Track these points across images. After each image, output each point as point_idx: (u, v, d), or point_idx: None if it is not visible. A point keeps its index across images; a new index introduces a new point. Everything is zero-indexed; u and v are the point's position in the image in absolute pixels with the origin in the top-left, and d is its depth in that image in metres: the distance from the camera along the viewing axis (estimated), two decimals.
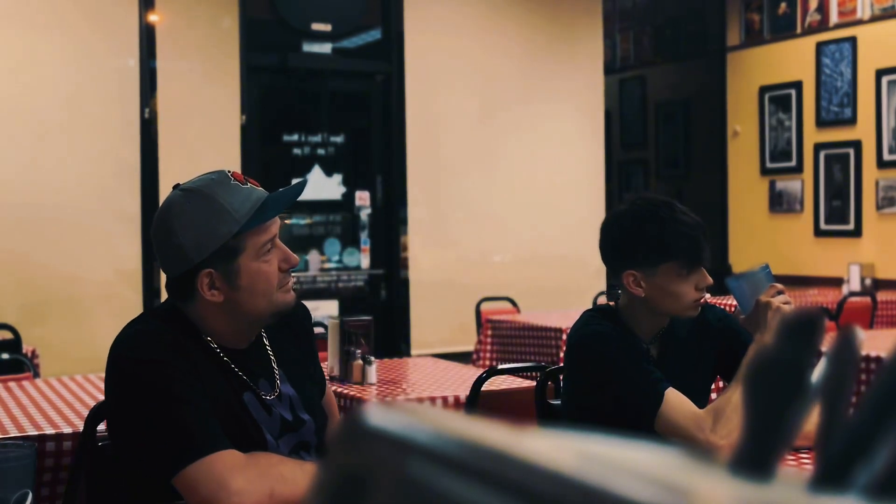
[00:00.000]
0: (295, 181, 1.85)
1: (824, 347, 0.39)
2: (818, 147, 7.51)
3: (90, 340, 5.69)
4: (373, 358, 3.33)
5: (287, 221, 6.33)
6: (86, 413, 2.23)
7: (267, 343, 1.91)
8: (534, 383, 2.73)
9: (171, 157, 5.94)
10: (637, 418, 2.12)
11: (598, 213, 7.28)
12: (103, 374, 1.84)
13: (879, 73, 7.07)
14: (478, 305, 5.98)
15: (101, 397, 2.91)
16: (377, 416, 0.38)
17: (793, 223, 7.69)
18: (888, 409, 0.36)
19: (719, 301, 4.99)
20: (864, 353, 3.78)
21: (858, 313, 5.81)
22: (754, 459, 0.37)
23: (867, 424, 0.36)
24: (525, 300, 6.36)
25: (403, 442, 0.37)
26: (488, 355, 5.29)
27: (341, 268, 6.62)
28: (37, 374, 4.00)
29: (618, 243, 2.24)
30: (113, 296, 5.78)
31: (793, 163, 7.68)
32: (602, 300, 6.40)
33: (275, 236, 1.82)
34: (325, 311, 6.09)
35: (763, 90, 7.88)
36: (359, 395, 3.13)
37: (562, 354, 4.60)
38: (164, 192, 5.85)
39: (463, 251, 6.88)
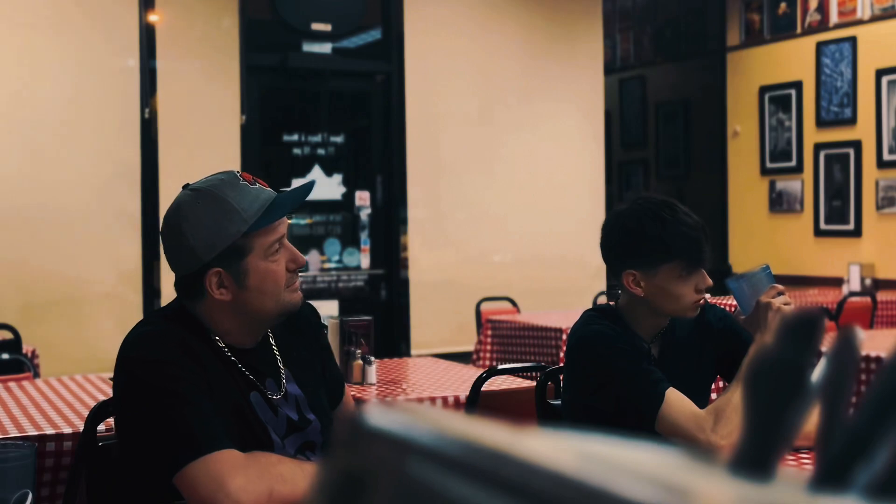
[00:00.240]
0: (297, 182, 1.86)
1: (824, 347, 0.39)
2: (818, 147, 7.51)
3: (90, 340, 5.69)
4: (373, 358, 3.33)
5: (289, 221, 6.33)
6: (86, 413, 2.23)
7: (273, 343, 1.92)
8: (534, 383, 2.73)
9: (171, 157, 5.94)
10: (637, 418, 2.12)
11: (598, 213, 7.28)
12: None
13: (879, 73, 7.07)
14: (478, 305, 5.98)
15: (101, 397, 2.91)
16: (377, 416, 0.38)
17: (793, 223, 7.69)
18: (888, 409, 0.36)
19: (720, 301, 4.99)
20: (864, 353, 3.78)
21: (858, 313, 5.81)
22: (754, 459, 0.37)
23: (867, 424, 0.36)
24: (525, 300, 6.37)
25: (403, 442, 0.37)
26: (488, 355, 5.29)
27: (341, 268, 6.62)
28: (37, 374, 4.00)
29: (618, 243, 2.24)
30: (113, 296, 5.78)
31: (793, 163, 7.68)
32: (602, 300, 6.41)
33: (283, 236, 1.84)
34: (325, 311, 6.08)
35: (763, 90, 7.88)
36: (359, 395, 3.13)
37: (562, 354, 4.60)
38: (164, 191, 5.88)
39: (463, 251, 6.88)
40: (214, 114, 6.13)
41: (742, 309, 2.19)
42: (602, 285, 7.06)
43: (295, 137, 6.59)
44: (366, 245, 6.73)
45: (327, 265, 6.56)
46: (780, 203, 7.79)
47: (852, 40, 7.23)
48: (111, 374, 4.06)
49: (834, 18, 7.36)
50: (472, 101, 6.93)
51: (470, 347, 5.78)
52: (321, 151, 6.64)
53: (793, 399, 0.37)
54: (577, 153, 7.32)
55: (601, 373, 2.19)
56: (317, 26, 6.54)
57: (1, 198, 5.53)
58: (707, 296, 2.25)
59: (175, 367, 1.71)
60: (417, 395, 3.12)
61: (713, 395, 2.39)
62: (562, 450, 0.35)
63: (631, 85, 9.15)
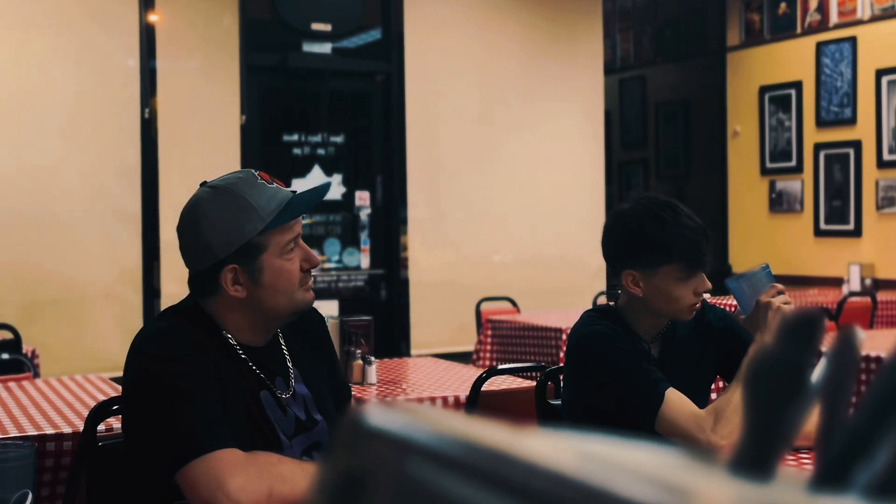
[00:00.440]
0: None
1: (824, 347, 0.39)
2: (818, 147, 7.51)
3: (90, 340, 5.69)
4: (373, 358, 3.33)
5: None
6: (86, 413, 2.23)
7: (283, 342, 1.93)
8: (534, 383, 2.73)
9: (171, 157, 5.94)
10: (638, 418, 2.12)
11: (598, 213, 7.28)
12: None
13: (879, 73, 7.07)
14: (478, 305, 5.98)
15: (101, 397, 2.92)
16: (377, 416, 0.38)
17: (793, 223, 7.69)
18: (888, 409, 0.36)
19: (719, 301, 4.99)
20: (864, 353, 3.78)
21: (858, 313, 5.81)
22: (754, 459, 0.37)
23: (867, 424, 0.36)
24: (525, 300, 6.37)
25: (403, 442, 0.37)
26: (488, 355, 5.29)
27: (341, 268, 6.62)
28: (37, 374, 4.00)
29: (619, 242, 2.24)
30: (113, 296, 5.78)
31: (793, 163, 7.68)
32: (602, 300, 6.40)
33: (298, 235, 1.86)
34: (325, 311, 6.05)
35: (763, 90, 7.88)
36: (359, 395, 3.13)
37: (562, 354, 4.60)
38: (164, 191, 5.88)
39: (463, 251, 6.87)
40: (214, 114, 6.13)
41: (742, 308, 2.18)
42: (602, 285, 7.06)
43: (295, 137, 6.59)
44: (366, 245, 6.73)
45: (327, 265, 6.56)
46: (780, 203, 7.79)
47: (852, 40, 7.23)
48: (111, 374, 4.05)
49: (834, 18, 7.36)
50: (472, 101, 6.93)
51: (470, 347, 5.78)
52: (321, 151, 6.64)
53: (793, 399, 0.37)
54: (577, 153, 7.32)
55: (601, 373, 2.19)
56: (317, 26, 6.54)
57: (1, 197, 5.53)
58: (707, 296, 2.25)
59: (184, 365, 1.72)
60: (417, 395, 3.12)
61: (713, 395, 2.39)
62: (562, 450, 0.35)
63: (631, 85, 9.15)
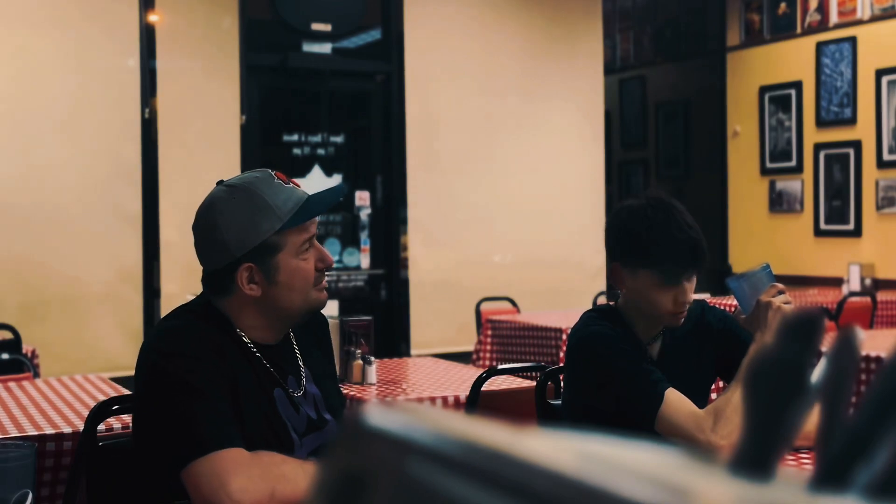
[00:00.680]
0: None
1: (824, 347, 0.39)
2: (818, 147, 7.51)
3: (90, 340, 5.69)
4: (373, 358, 3.33)
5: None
6: (86, 413, 2.23)
7: (294, 342, 1.94)
8: (534, 383, 2.73)
9: (171, 157, 5.94)
10: (637, 418, 2.12)
11: (598, 213, 7.28)
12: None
13: (879, 73, 7.07)
14: (478, 305, 5.98)
15: (101, 397, 2.92)
16: (377, 416, 0.38)
17: (793, 223, 7.69)
18: (888, 409, 0.36)
19: (719, 301, 4.99)
20: (864, 353, 3.78)
21: (858, 313, 5.81)
22: (754, 459, 0.37)
23: (867, 424, 0.36)
24: (525, 300, 6.37)
25: (403, 442, 0.37)
26: (488, 355, 5.29)
27: (341, 268, 6.62)
28: (37, 374, 4.00)
29: (611, 234, 2.25)
30: (113, 296, 5.78)
31: (793, 163, 7.68)
32: (602, 300, 6.41)
33: (313, 236, 1.88)
34: (325, 311, 6.08)
35: (763, 90, 7.88)
36: (359, 395, 3.13)
37: (562, 354, 4.60)
38: (164, 191, 5.89)
39: (463, 251, 6.87)
40: (214, 114, 6.13)
41: (742, 308, 2.18)
42: (602, 285, 7.06)
43: (295, 137, 6.59)
44: (366, 245, 6.73)
45: None
46: (780, 203, 7.79)
47: (852, 40, 7.23)
48: (111, 374, 4.06)
49: (834, 18, 7.36)
50: (472, 102, 6.93)
51: (470, 347, 5.78)
52: (321, 151, 6.64)
53: (793, 399, 0.37)
54: (577, 153, 7.32)
55: (601, 373, 2.19)
56: (317, 26, 6.54)
57: (1, 197, 5.53)
58: (707, 296, 2.24)
59: (196, 363, 1.73)
60: (417, 395, 3.12)
61: (713, 396, 2.39)
62: (562, 450, 0.35)
63: (631, 85, 9.15)
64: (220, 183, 1.87)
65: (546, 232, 7.13)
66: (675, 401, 2.11)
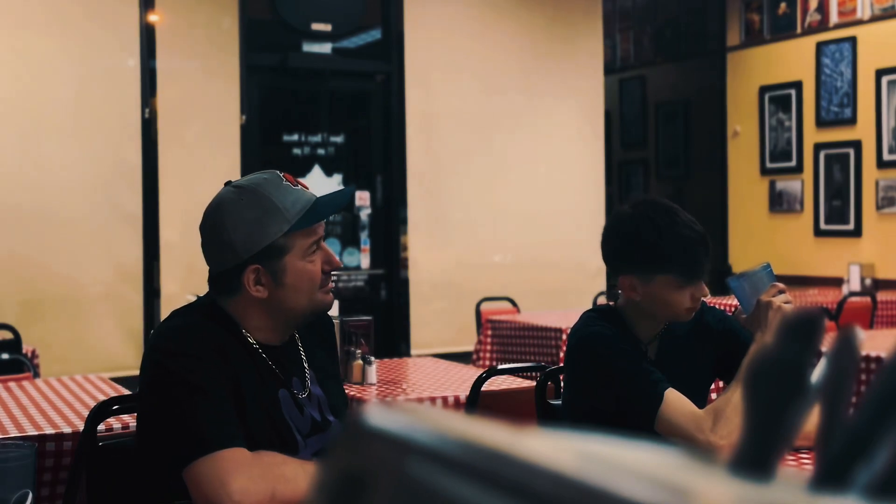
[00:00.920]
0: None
1: (824, 347, 0.39)
2: (818, 147, 7.51)
3: (90, 340, 5.69)
4: (373, 358, 3.33)
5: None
6: (86, 413, 2.23)
7: (299, 343, 1.94)
8: (534, 383, 2.73)
9: (171, 157, 5.94)
10: (637, 418, 2.12)
11: (598, 213, 7.28)
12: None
13: (879, 73, 7.07)
14: (478, 305, 5.98)
15: (101, 397, 2.92)
16: (377, 416, 0.38)
17: (793, 223, 7.69)
18: (888, 409, 0.36)
19: (719, 301, 4.99)
20: (864, 353, 3.78)
21: (858, 313, 5.81)
22: (754, 459, 0.37)
23: (867, 424, 0.36)
24: (525, 300, 6.37)
25: (403, 442, 0.37)
26: (488, 355, 5.29)
27: (341, 268, 6.62)
28: (37, 374, 4.00)
29: (616, 248, 2.23)
30: (113, 296, 5.78)
31: (793, 163, 7.68)
32: (602, 300, 6.40)
33: (320, 238, 1.87)
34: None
35: (763, 90, 7.88)
36: (359, 395, 3.13)
37: (562, 355, 4.59)
38: (164, 191, 5.89)
39: (463, 251, 6.87)
40: (214, 114, 6.13)
41: (743, 308, 2.18)
42: (602, 286, 7.06)
43: (295, 137, 6.59)
44: (366, 245, 6.73)
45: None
46: (780, 203, 7.79)
47: (852, 40, 7.23)
48: (111, 374, 4.05)
49: (834, 18, 7.36)
50: (472, 101, 6.93)
51: (470, 347, 5.78)
52: (321, 151, 6.64)
53: (793, 399, 0.37)
54: (577, 153, 7.32)
55: (601, 373, 2.19)
56: (317, 26, 6.54)
57: (1, 197, 5.53)
58: (707, 296, 2.24)
59: (200, 362, 1.73)
60: (417, 395, 3.12)
61: (712, 396, 2.39)
62: (562, 450, 0.35)
63: (631, 85, 9.15)
64: (228, 183, 1.87)
65: (546, 232, 7.13)
66: (675, 401, 2.11)
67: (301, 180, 1.92)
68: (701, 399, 2.25)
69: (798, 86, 7.62)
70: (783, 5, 7.70)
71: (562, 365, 2.49)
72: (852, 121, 7.26)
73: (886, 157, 7.07)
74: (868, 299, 6.02)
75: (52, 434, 2.50)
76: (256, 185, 1.82)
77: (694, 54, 8.59)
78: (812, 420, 0.37)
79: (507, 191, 7.01)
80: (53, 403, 2.91)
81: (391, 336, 6.61)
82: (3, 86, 5.57)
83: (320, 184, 6.52)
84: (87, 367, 5.30)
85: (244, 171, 6.04)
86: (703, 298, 2.21)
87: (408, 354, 6.40)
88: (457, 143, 6.87)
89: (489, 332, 5.34)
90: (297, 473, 1.69)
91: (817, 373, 0.38)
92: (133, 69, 5.87)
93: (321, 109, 6.82)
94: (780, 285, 2.16)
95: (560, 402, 2.44)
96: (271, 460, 1.70)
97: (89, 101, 5.76)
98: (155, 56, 5.96)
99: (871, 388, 0.37)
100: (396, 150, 6.72)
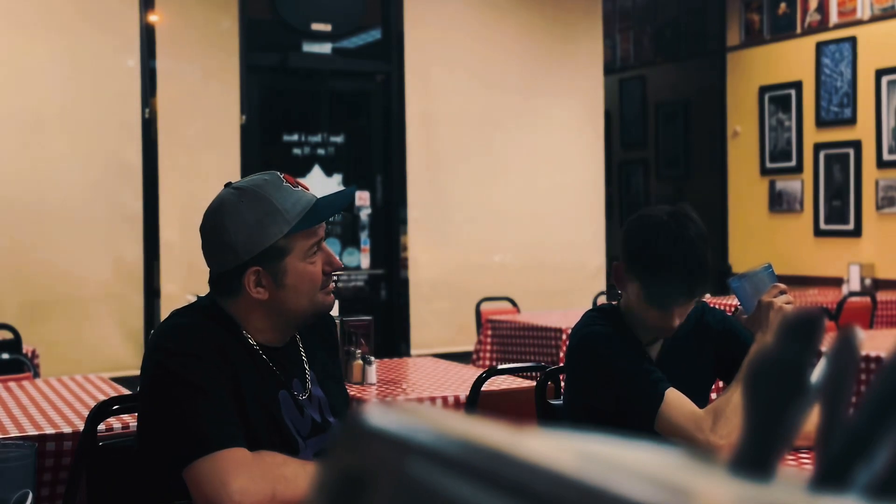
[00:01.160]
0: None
1: (824, 347, 0.39)
2: (818, 147, 7.51)
3: (90, 340, 5.69)
4: (373, 358, 3.33)
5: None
6: (86, 413, 2.23)
7: (300, 345, 1.94)
8: (534, 383, 2.73)
9: (171, 157, 5.94)
10: (637, 418, 2.12)
11: (598, 213, 7.29)
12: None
13: (879, 73, 7.07)
14: (478, 305, 5.98)
15: (101, 397, 2.92)
16: (377, 416, 0.38)
17: (793, 223, 7.69)
18: (888, 409, 0.36)
19: (719, 301, 4.99)
20: (864, 353, 3.78)
21: (858, 313, 5.81)
22: (754, 459, 0.37)
23: (867, 424, 0.36)
24: (525, 300, 6.37)
25: (403, 442, 0.37)
26: (488, 355, 5.29)
27: (342, 268, 6.62)
28: (37, 374, 4.00)
29: (623, 237, 2.25)
30: (113, 296, 5.78)
31: (793, 163, 7.68)
32: (602, 300, 6.40)
33: (321, 239, 1.87)
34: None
35: (763, 90, 7.88)
36: (359, 395, 3.13)
37: (562, 354, 4.60)
38: (164, 191, 5.88)
39: (463, 251, 6.87)
40: (214, 114, 6.13)
41: (744, 308, 2.18)
42: (602, 285, 7.06)
43: (295, 137, 6.59)
44: (366, 245, 6.73)
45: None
46: (780, 203, 7.79)
47: (852, 40, 7.23)
48: (111, 374, 4.05)
49: (834, 18, 7.36)
50: (472, 101, 6.93)
51: (470, 347, 5.78)
52: (321, 151, 6.64)
53: (793, 399, 0.37)
54: (577, 153, 7.32)
55: (601, 373, 2.19)
56: (317, 26, 6.54)
57: (1, 197, 5.53)
58: (707, 296, 2.24)
59: (200, 362, 1.73)
60: (417, 395, 3.12)
61: (713, 396, 2.39)
62: (562, 450, 0.35)
63: (631, 85, 9.15)
64: (228, 185, 1.87)
65: (546, 232, 7.13)
66: (675, 400, 2.11)
67: (301, 180, 1.92)
68: (702, 399, 2.25)
69: (798, 86, 7.62)
70: (783, 5, 7.70)
71: (562, 365, 2.49)
72: (852, 121, 7.26)
73: (886, 157, 7.07)
74: (868, 299, 6.02)
75: (52, 434, 2.50)
76: (257, 187, 1.82)
77: (694, 54, 8.59)
78: (812, 420, 0.37)
79: (507, 191, 7.00)
80: (53, 403, 2.91)
81: (391, 336, 6.61)
82: (3, 86, 5.57)
83: (320, 184, 6.52)
84: (87, 366, 5.29)
85: (244, 171, 6.04)
86: (704, 296, 2.21)
87: (408, 354, 6.40)
88: (457, 143, 6.87)
89: (489, 332, 5.34)
90: (298, 473, 1.69)
91: (817, 373, 0.38)
92: (133, 69, 5.87)
93: (321, 109, 6.82)
94: (782, 286, 2.16)
95: (560, 402, 2.44)
96: (272, 460, 1.70)
97: (89, 102, 5.75)
98: (155, 56, 5.96)
99: (871, 388, 0.37)
100: (396, 150, 6.72)
